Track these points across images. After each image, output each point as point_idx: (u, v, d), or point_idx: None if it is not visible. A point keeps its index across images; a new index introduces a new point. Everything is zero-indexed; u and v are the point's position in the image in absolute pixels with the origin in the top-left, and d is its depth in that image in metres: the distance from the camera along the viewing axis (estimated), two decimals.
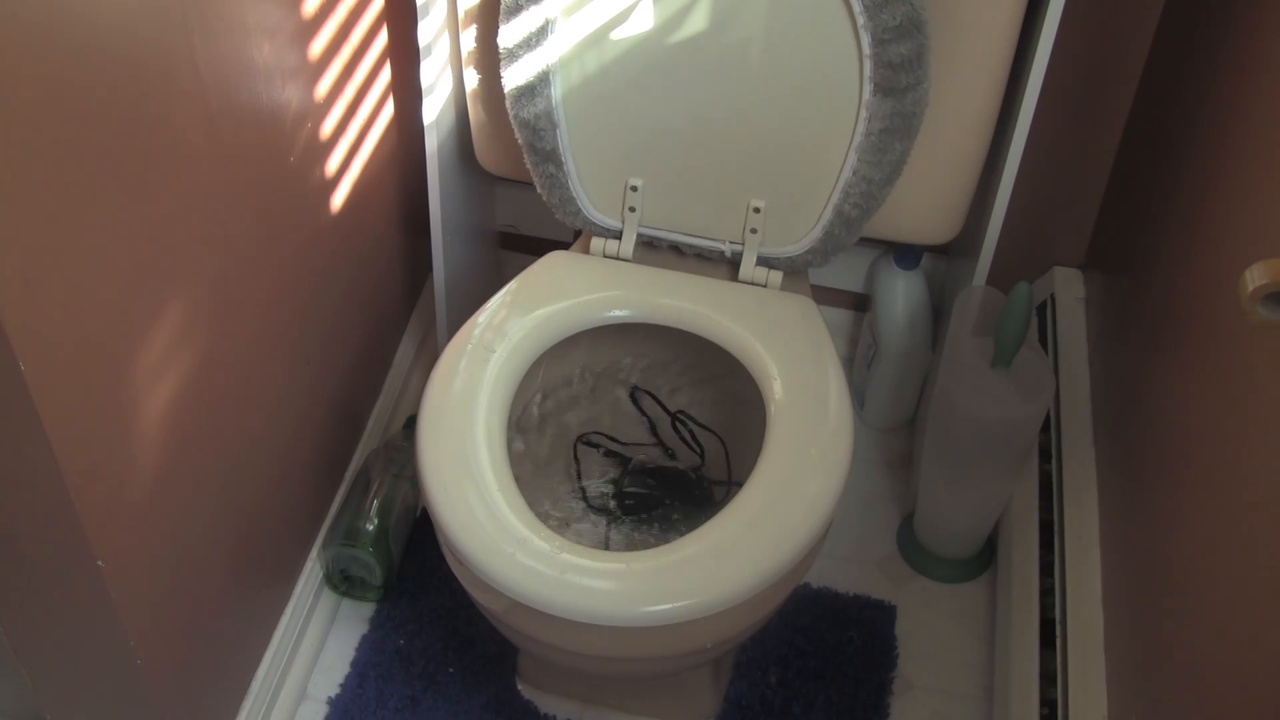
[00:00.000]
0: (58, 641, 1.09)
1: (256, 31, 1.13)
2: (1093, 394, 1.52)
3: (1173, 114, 1.39)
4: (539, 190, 1.41)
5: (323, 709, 1.44)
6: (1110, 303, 1.54)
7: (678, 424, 1.44)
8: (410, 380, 1.77)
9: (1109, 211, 1.63)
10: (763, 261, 1.40)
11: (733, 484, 1.40)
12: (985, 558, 1.60)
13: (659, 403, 1.45)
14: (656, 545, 1.31)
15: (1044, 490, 1.48)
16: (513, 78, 1.32)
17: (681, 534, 1.32)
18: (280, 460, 1.34)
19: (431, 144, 1.46)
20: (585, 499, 1.38)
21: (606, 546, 1.33)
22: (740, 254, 1.40)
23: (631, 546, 1.33)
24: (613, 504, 1.37)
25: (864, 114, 1.27)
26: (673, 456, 1.44)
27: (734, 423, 1.43)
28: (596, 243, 1.42)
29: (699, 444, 1.43)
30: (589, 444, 1.42)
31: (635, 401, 1.46)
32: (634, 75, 1.31)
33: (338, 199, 1.39)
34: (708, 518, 1.34)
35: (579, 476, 1.39)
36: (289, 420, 1.35)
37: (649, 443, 1.45)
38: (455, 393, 1.22)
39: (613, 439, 1.43)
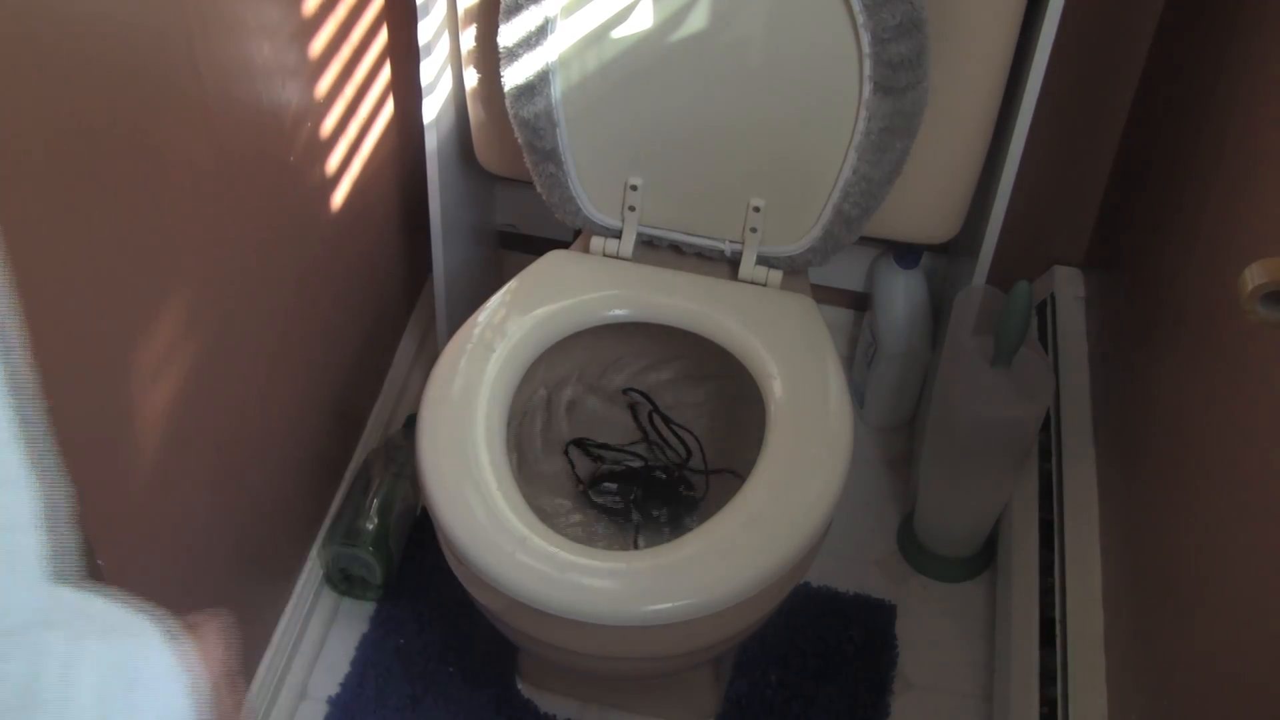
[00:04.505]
0: None
1: (256, 31, 1.13)
2: (1093, 393, 1.52)
3: (1173, 114, 1.39)
4: (539, 190, 1.41)
5: (323, 708, 1.44)
6: (1110, 302, 1.54)
7: (653, 421, 1.43)
8: (410, 379, 1.77)
9: (1109, 211, 1.63)
10: (762, 260, 1.40)
11: (712, 473, 1.40)
12: (985, 557, 1.60)
13: (648, 399, 1.44)
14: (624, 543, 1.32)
15: (1044, 490, 1.48)
16: (512, 77, 1.32)
17: (641, 528, 1.33)
18: (280, 459, 1.34)
19: (431, 143, 1.46)
20: (591, 501, 1.37)
21: (636, 545, 1.33)
22: (740, 253, 1.40)
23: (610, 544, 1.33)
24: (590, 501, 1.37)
25: (864, 113, 1.27)
26: (656, 455, 1.43)
27: (733, 422, 1.43)
28: (596, 242, 1.42)
29: (684, 442, 1.43)
30: (580, 447, 1.42)
31: (631, 408, 1.45)
32: (634, 74, 1.31)
33: (337, 198, 1.39)
34: (677, 512, 1.34)
35: (578, 480, 1.39)
36: (289, 419, 1.35)
37: (639, 443, 1.44)
38: (455, 392, 1.22)
39: (602, 444, 1.42)
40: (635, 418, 1.45)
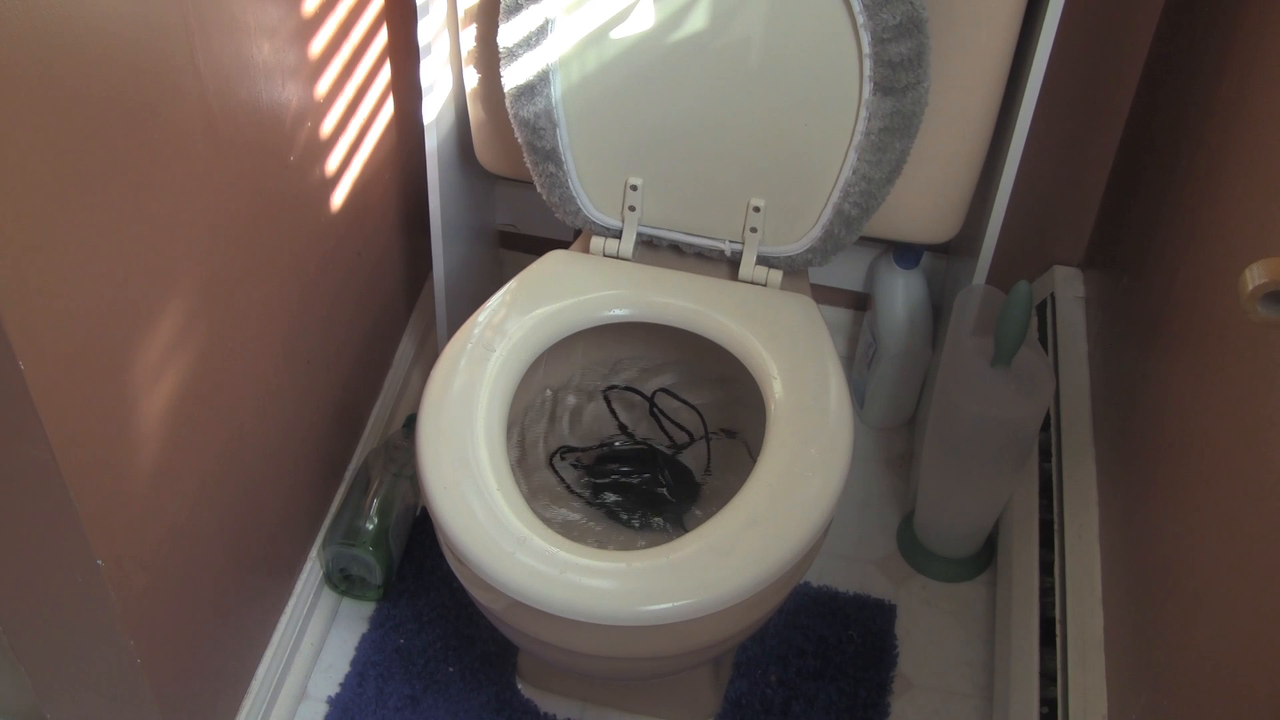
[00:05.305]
0: (58, 641, 1.09)
1: (256, 31, 1.13)
2: (1093, 393, 1.52)
3: (1173, 114, 1.39)
4: (539, 189, 1.41)
5: (323, 708, 1.44)
6: (1110, 302, 1.54)
7: (655, 408, 1.43)
8: (410, 379, 1.77)
9: (1109, 211, 1.63)
10: (763, 261, 1.40)
11: (714, 435, 1.40)
12: (985, 557, 1.60)
13: (637, 392, 1.44)
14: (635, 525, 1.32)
15: (1044, 489, 1.48)
16: (512, 77, 1.32)
17: (657, 507, 1.33)
18: (280, 459, 1.34)
19: (431, 143, 1.46)
20: (586, 501, 1.37)
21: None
22: (740, 253, 1.40)
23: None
24: (592, 495, 1.36)
25: (864, 113, 1.27)
26: (636, 441, 1.42)
27: (732, 422, 1.43)
28: (596, 242, 1.42)
29: (681, 428, 1.42)
30: (564, 458, 1.41)
31: (608, 402, 1.45)
32: (634, 74, 1.31)
33: (337, 198, 1.39)
34: (680, 487, 1.35)
35: (568, 486, 1.38)
36: (288, 419, 1.35)
37: (624, 440, 1.43)
38: (455, 392, 1.22)
39: (582, 447, 1.42)
40: (614, 413, 1.44)
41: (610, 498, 1.35)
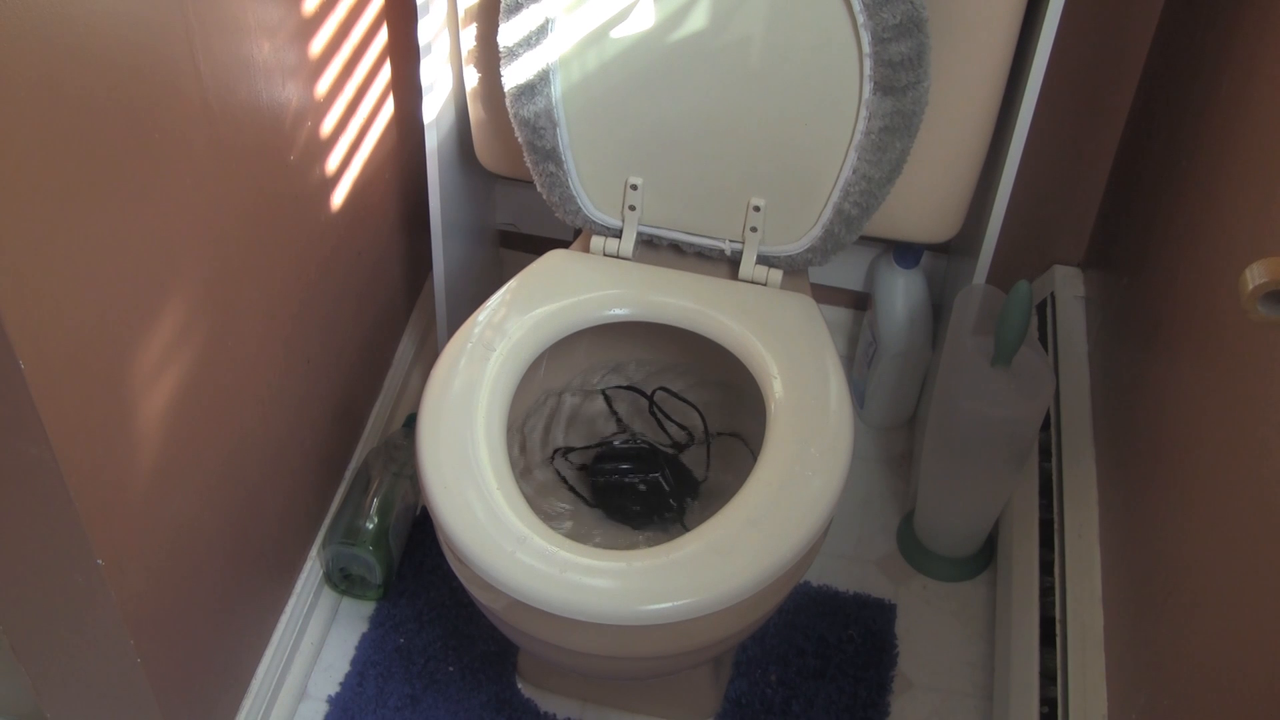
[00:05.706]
0: (58, 641, 1.09)
1: (256, 30, 1.13)
2: (1093, 392, 1.52)
3: (1173, 114, 1.39)
4: (539, 189, 1.41)
5: (323, 707, 1.44)
6: (1110, 301, 1.54)
7: (655, 406, 1.43)
8: (410, 379, 1.77)
9: (1109, 210, 1.63)
10: (763, 260, 1.40)
11: (715, 436, 1.40)
12: (985, 556, 1.61)
13: (637, 390, 1.44)
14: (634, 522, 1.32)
15: (1044, 489, 1.48)
16: (513, 76, 1.32)
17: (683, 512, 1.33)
18: (280, 458, 1.34)
19: (431, 142, 1.46)
20: (587, 500, 1.38)
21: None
22: (740, 252, 1.40)
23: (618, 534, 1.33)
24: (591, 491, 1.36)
25: (864, 112, 1.27)
26: (636, 441, 1.42)
27: (732, 422, 1.43)
28: (596, 241, 1.42)
29: (683, 427, 1.42)
30: (564, 457, 1.41)
31: (609, 402, 1.45)
32: (634, 74, 1.31)
33: (338, 197, 1.39)
34: (680, 487, 1.34)
35: (568, 486, 1.38)
36: (289, 418, 1.35)
37: (625, 439, 1.43)
38: (455, 391, 1.22)
39: (582, 446, 1.42)
40: (614, 412, 1.44)
41: (610, 497, 1.35)
